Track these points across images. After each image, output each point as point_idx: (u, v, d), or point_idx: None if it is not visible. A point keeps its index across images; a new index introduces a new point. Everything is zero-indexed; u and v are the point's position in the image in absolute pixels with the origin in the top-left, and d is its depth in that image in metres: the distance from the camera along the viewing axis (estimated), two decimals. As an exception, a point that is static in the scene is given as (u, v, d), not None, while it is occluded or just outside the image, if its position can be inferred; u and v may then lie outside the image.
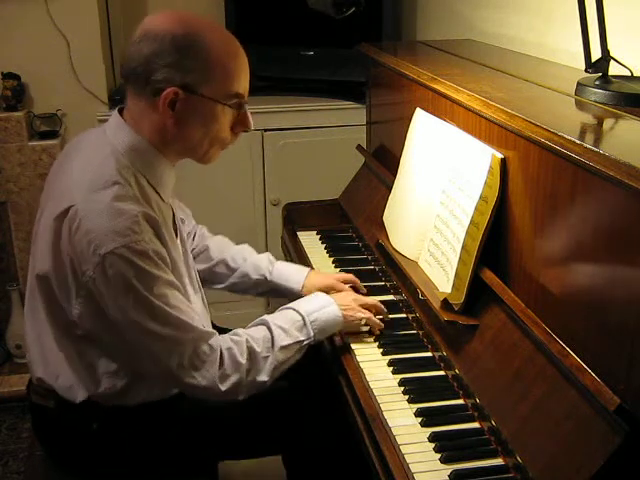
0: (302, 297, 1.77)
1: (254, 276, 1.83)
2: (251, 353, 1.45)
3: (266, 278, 1.82)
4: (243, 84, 1.42)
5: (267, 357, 1.46)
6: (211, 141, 1.43)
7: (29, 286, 1.47)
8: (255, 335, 1.49)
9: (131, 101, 1.41)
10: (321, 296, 1.62)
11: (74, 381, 1.43)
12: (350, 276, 1.83)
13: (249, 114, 1.46)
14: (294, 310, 1.56)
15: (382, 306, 1.68)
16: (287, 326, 1.51)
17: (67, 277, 1.34)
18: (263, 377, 1.46)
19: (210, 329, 1.44)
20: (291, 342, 1.50)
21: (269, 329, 1.50)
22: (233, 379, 1.42)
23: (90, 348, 1.42)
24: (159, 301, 1.33)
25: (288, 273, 1.83)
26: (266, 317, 1.54)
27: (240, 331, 1.50)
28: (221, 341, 1.43)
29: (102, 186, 1.32)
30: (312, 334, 1.53)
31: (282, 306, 1.60)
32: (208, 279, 1.85)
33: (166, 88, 1.33)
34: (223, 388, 1.41)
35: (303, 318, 1.53)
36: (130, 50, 1.36)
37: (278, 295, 1.87)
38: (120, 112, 1.44)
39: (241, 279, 1.84)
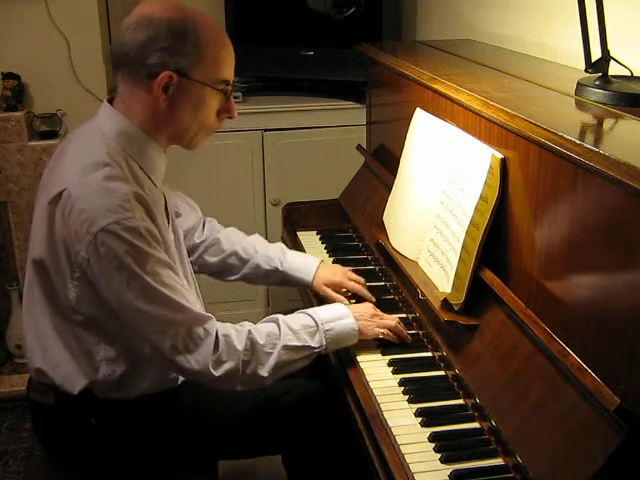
0: (312, 289, 1.82)
1: (265, 267, 1.83)
2: (252, 344, 1.43)
3: (277, 269, 1.83)
4: (230, 71, 1.47)
5: (270, 353, 1.44)
6: (199, 126, 1.47)
7: (27, 275, 1.48)
8: (261, 329, 1.47)
9: (123, 86, 1.43)
10: (339, 307, 1.59)
11: (73, 369, 1.44)
12: (359, 279, 1.82)
13: (233, 102, 1.50)
14: (309, 315, 1.53)
15: (402, 327, 1.61)
16: (297, 328, 1.49)
17: (61, 260, 1.36)
18: (263, 372, 1.44)
19: (206, 313, 1.43)
20: (299, 345, 1.48)
21: (278, 326, 1.49)
22: (228, 366, 1.40)
23: (88, 334, 1.42)
24: (152, 279, 1.34)
25: (299, 264, 1.84)
26: (278, 316, 1.52)
27: (246, 323, 1.49)
28: (219, 326, 1.43)
29: (93, 168, 1.35)
30: (324, 343, 1.50)
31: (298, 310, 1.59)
32: (221, 271, 1.86)
33: (161, 72, 1.37)
34: (217, 374, 1.39)
35: (317, 325, 1.51)
36: (124, 36, 1.38)
37: (288, 285, 1.88)
38: (110, 101, 1.46)
39: (253, 270, 1.84)
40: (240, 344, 1.42)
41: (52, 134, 2.84)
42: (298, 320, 1.52)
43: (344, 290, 1.81)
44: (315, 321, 1.52)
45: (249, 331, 1.45)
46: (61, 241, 1.35)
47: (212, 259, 1.84)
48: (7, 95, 2.75)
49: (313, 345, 1.49)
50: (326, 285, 1.80)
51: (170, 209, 1.58)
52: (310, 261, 1.86)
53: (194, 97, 1.42)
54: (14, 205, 2.84)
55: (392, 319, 1.61)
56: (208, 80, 1.42)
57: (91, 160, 1.37)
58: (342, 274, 1.82)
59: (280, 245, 1.89)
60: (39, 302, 1.44)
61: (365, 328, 1.55)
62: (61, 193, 1.34)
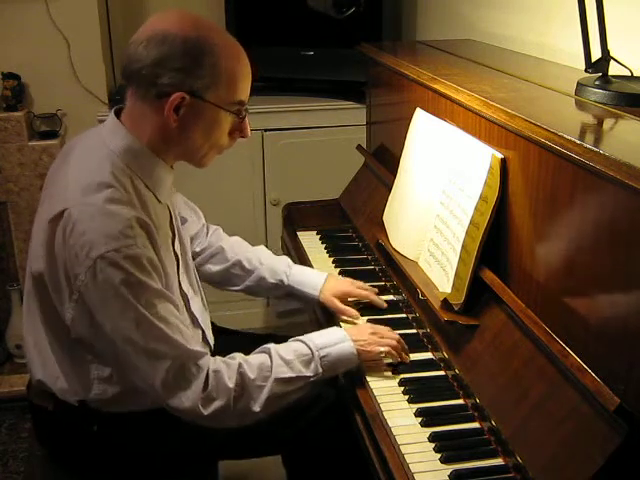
0: (319, 302, 1.76)
1: (271, 280, 1.79)
2: (243, 379, 1.38)
3: (283, 282, 1.79)
4: (246, 91, 1.41)
5: (262, 386, 1.39)
6: (210, 146, 1.42)
7: (26, 285, 1.45)
8: (252, 361, 1.42)
9: (132, 103, 1.38)
10: (336, 331, 1.53)
11: (69, 384, 1.42)
12: (369, 288, 1.79)
13: (247, 122, 1.45)
14: (303, 343, 1.47)
15: (401, 341, 1.55)
16: (290, 357, 1.43)
17: (60, 280, 1.33)
18: (255, 407, 1.38)
19: (200, 349, 1.38)
20: (292, 376, 1.42)
21: (270, 357, 1.42)
22: (217, 404, 1.35)
23: (83, 352, 1.40)
24: (147, 311, 1.30)
25: (306, 278, 1.79)
26: (271, 346, 1.46)
27: (237, 355, 1.43)
28: (210, 362, 1.37)
29: (96, 189, 1.30)
30: (320, 370, 1.44)
31: (292, 338, 1.52)
32: (224, 281, 1.83)
33: (173, 92, 1.31)
34: (205, 412, 1.35)
35: (312, 352, 1.45)
36: (136, 51, 1.32)
37: (294, 299, 1.83)
38: (117, 112, 1.42)
39: (257, 282, 1.80)
40: (231, 380, 1.37)
41: (52, 134, 2.84)
42: (291, 348, 1.46)
43: (351, 300, 1.77)
44: (310, 348, 1.46)
45: (239, 364, 1.39)
46: (62, 261, 1.31)
47: (215, 268, 1.80)
48: (7, 95, 2.75)
49: (308, 374, 1.43)
50: (335, 296, 1.74)
51: (175, 221, 1.54)
52: (317, 275, 1.80)
53: (206, 119, 1.37)
54: (14, 205, 2.84)
55: (392, 337, 1.54)
56: (222, 102, 1.36)
57: (94, 179, 1.32)
58: (350, 283, 1.79)
59: (286, 258, 1.85)
60: (37, 316, 1.42)
61: (364, 350, 1.50)
62: (62, 213, 1.30)
